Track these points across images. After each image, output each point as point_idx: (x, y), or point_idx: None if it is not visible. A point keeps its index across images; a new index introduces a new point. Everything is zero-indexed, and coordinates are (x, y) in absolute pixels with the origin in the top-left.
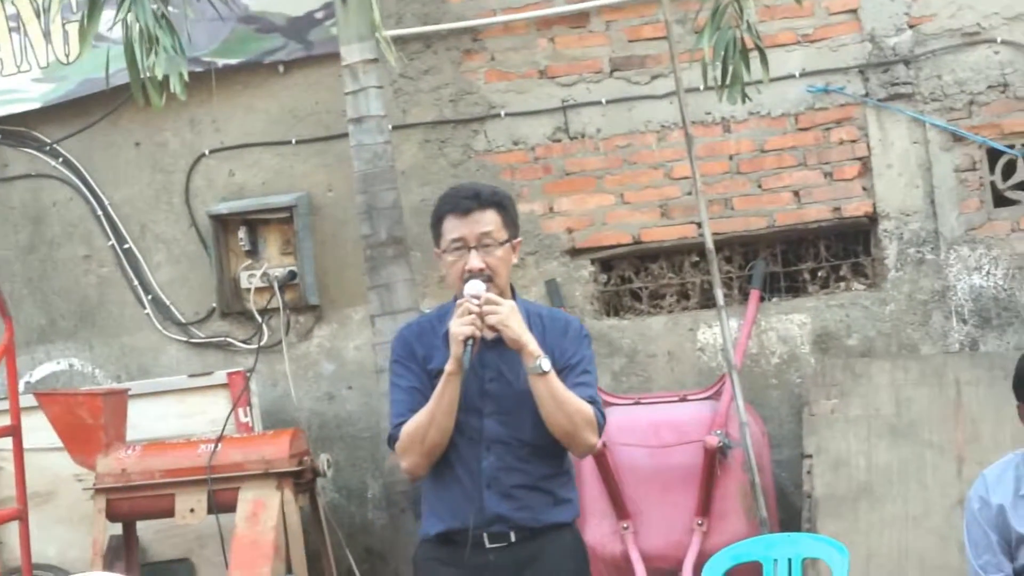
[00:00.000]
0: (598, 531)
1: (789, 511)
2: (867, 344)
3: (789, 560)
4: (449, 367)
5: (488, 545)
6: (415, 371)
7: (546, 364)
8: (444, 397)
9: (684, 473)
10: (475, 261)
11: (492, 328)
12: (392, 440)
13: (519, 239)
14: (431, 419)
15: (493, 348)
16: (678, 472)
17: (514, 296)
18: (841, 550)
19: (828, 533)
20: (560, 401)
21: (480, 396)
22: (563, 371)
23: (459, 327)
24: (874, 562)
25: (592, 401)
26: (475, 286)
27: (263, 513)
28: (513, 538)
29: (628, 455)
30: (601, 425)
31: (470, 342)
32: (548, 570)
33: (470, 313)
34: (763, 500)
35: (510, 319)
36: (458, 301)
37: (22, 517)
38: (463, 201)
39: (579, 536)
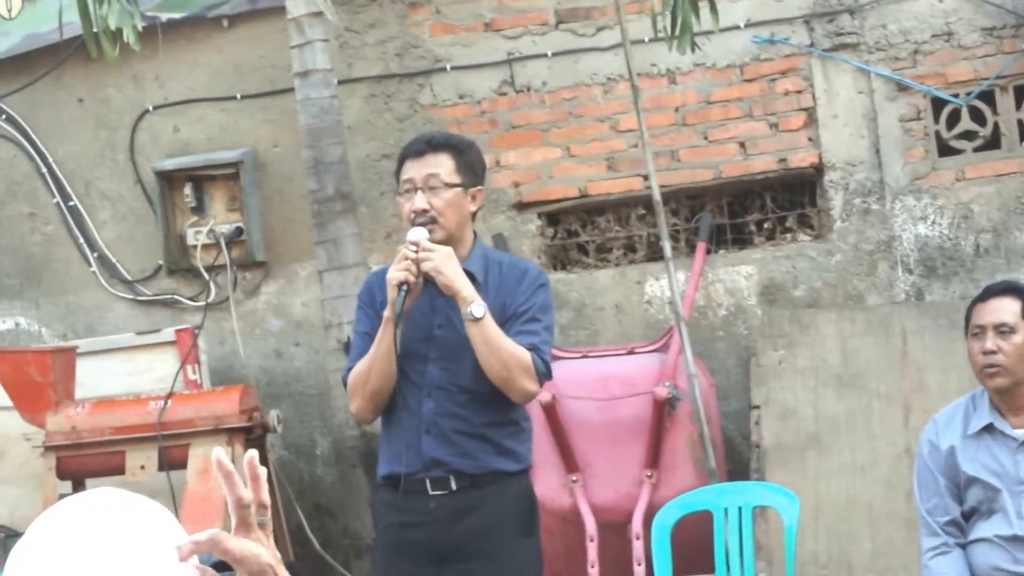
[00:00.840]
0: (547, 484)
1: (737, 462)
2: (814, 295)
3: (739, 508)
4: (386, 313)
5: (430, 492)
6: (371, 316)
7: (478, 310)
8: (382, 342)
9: (633, 425)
10: (419, 201)
11: (427, 274)
12: (345, 383)
13: (479, 187)
14: (371, 364)
15: (445, 296)
16: (627, 425)
17: (475, 243)
18: (791, 497)
19: (776, 483)
20: (494, 347)
21: (426, 342)
22: (512, 318)
23: (394, 273)
24: (822, 511)
25: (533, 348)
26: (415, 233)
27: (213, 469)
28: (454, 485)
29: (576, 408)
30: (542, 372)
31: (404, 288)
32: (490, 520)
33: (406, 259)
34: (711, 451)
35: (444, 265)
36: (399, 246)
37: None
38: (418, 144)
39: (528, 487)
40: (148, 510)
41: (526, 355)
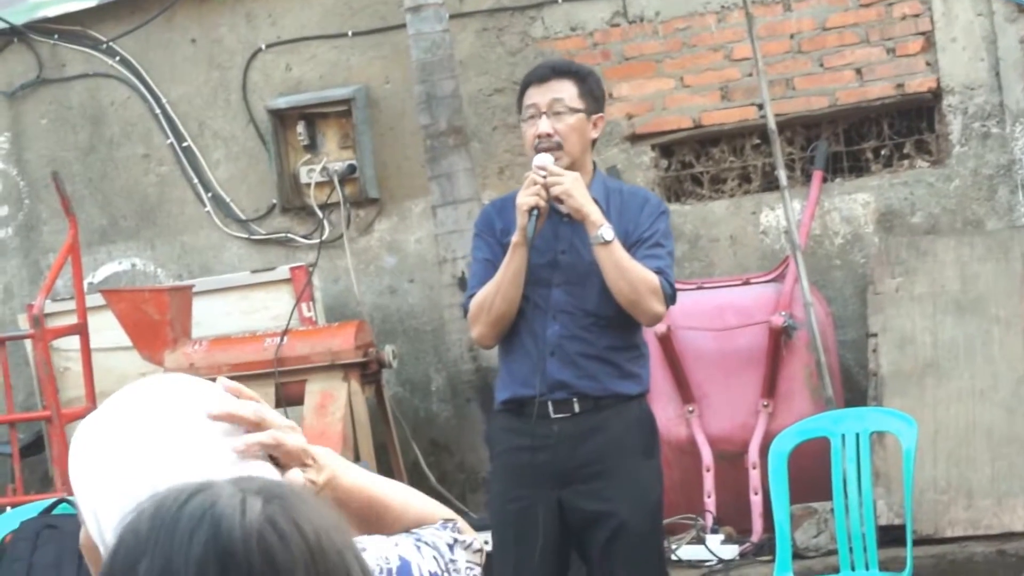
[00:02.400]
0: (663, 415)
1: (854, 391)
2: (931, 221)
3: (856, 435)
4: (515, 238)
5: (552, 415)
6: (491, 244)
7: (608, 233)
8: (510, 267)
9: (749, 355)
10: (544, 126)
11: (556, 198)
12: (465, 311)
13: (601, 115)
14: (497, 288)
15: (569, 223)
16: (743, 355)
17: (594, 172)
18: (909, 422)
19: (895, 409)
20: (623, 269)
21: (551, 267)
22: (636, 244)
23: (524, 198)
24: (941, 436)
25: (659, 271)
26: (542, 158)
27: (331, 404)
28: (577, 408)
29: (692, 339)
30: (668, 295)
31: (535, 212)
32: (613, 441)
33: (535, 184)
34: (828, 380)
35: (573, 189)
36: (527, 172)
37: None
38: (542, 70)
39: (648, 410)
40: (210, 389)
41: (654, 277)
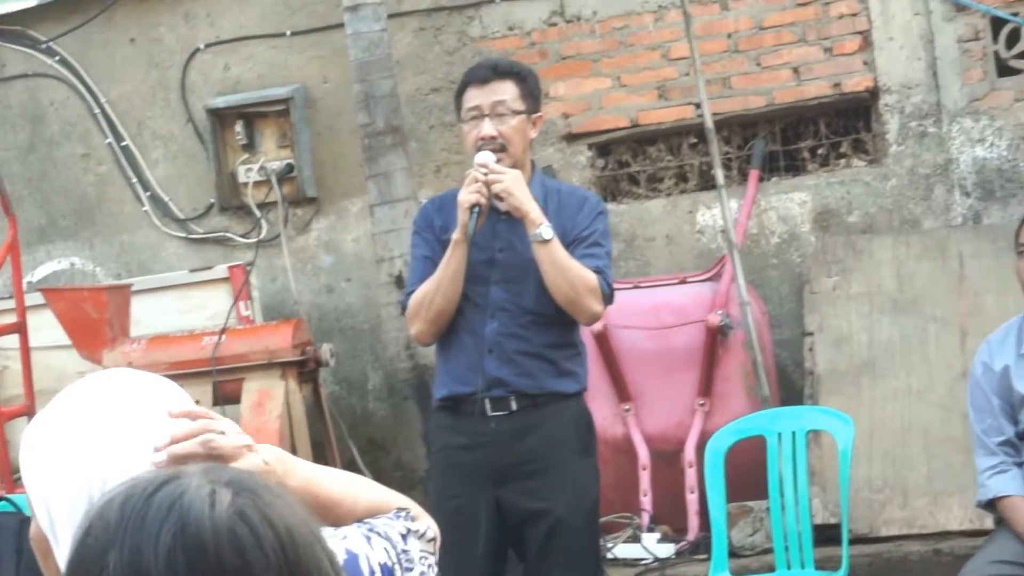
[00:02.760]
0: (600, 414)
1: (790, 390)
2: (868, 220)
3: (793, 433)
4: (455, 235)
5: (490, 413)
6: (430, 241)
7: (547, 232)
8: (450, 264)
9: (685, 354)
10: (487, 128)
11: (497, 196)
12: (404, 308)
13: (540, 115)
14: (437, 285)
15: (506, 221)
16: (679, 353)
17: (532, 171)
18: (845, 421)
19: (831, 408)
20: (562, 268)
21: (489, 265)
22: (574, 243)
23: (465, 195)
24: (877, 435)
25: (598, 270)
26: (484, 156)
27: (268, 403)
28: (514, 406)
29: (628, 338)
30: (606, 294)
31: (476, 209)
32: (550, 439)
33: (476, 181)
34: (764, 379)
35: (514, 187)
36: (469, 170)
37: (30, 413)
38: (482, 71)
39: (585, 409)
40: (158, 382)
41: (592, 276)
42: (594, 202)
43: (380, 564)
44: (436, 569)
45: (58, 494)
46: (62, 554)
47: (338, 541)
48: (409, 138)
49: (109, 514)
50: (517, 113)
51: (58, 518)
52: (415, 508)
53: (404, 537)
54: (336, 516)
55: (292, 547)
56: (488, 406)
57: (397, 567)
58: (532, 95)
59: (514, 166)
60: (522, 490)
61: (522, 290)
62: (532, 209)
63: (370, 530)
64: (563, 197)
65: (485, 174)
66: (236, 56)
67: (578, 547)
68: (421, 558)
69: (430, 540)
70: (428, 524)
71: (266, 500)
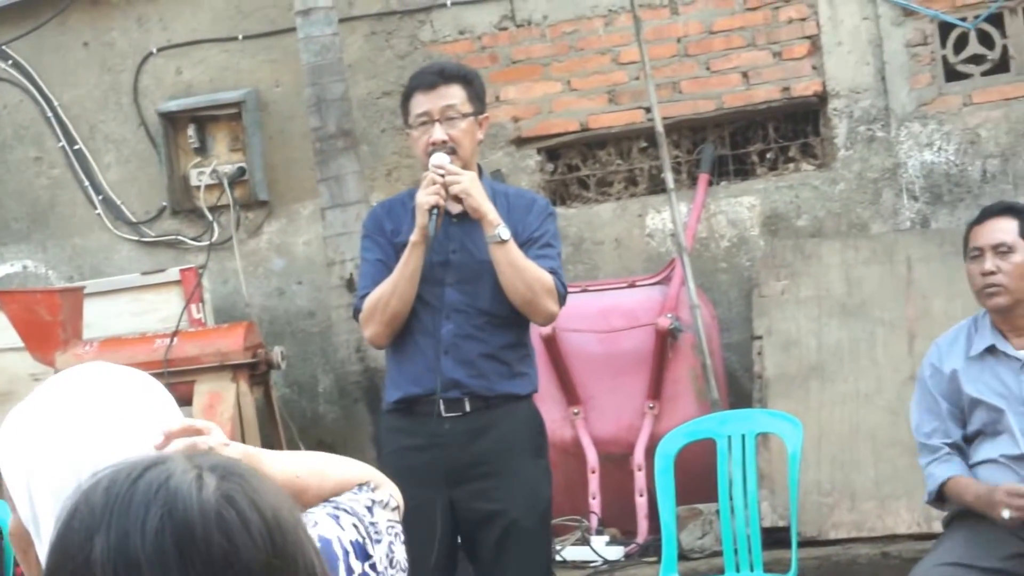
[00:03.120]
0: (549, 417)
1: (739, 394)
2: (817, 225)
3: (742, 436)
4: (414, 237)
5: (444, 414)
6: (382, 244)
7: (504, 233)
8: (408, 265)
9: (634, 358)
10: (438, 133)
11: (455, 197)
12: (356, 311)
13: (486, 115)
14: (394, 287)
15: (459, 223)
16: (628, 357)
17: (480, 174)
18: (795, 424)
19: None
20: (519, 268)
21: (443, 267)
22: (525, 244)
23: (424, 196)
24: (825, 439)
25: (553, 272)
26: (439, 158)
27: (219, 405)
28: (468, 407)
29: (577, 341)
30: (562, 295)
31: (435, 211)
32: (503, 441)
33: (434, 183)
34: (714, 382)
35: (472, 188)
36: (424, 173)
37: None
38: (428, 76)
39: (536, 411)
40: (137, 375)
41: (548, 277)
42: (543, 204)
43: (351, 542)
44: (403, 536)
45: (43, 486)
46: (46, 541)
47: (310, 529)
48: (360, 142)
49: (94, 498)
50: (466, 116)
51: (42, 511)
52: (376, 476)
53: (370, 509)
54: (304, 501)
55: (279, 531)
56: (442, 407)
57: (368, 541)
58: (479, 97)
59: (464, 168)
60: (475, 492)
61: (477, 291)
62: (490, 210)
63: (336, 508)
64: (512, 199)
65: (442, 175)
66: (188, 60)
67: (531, 549)
68: (388, 527)
69: (394, 508)
70: (390, 492)
71: (252, 485)
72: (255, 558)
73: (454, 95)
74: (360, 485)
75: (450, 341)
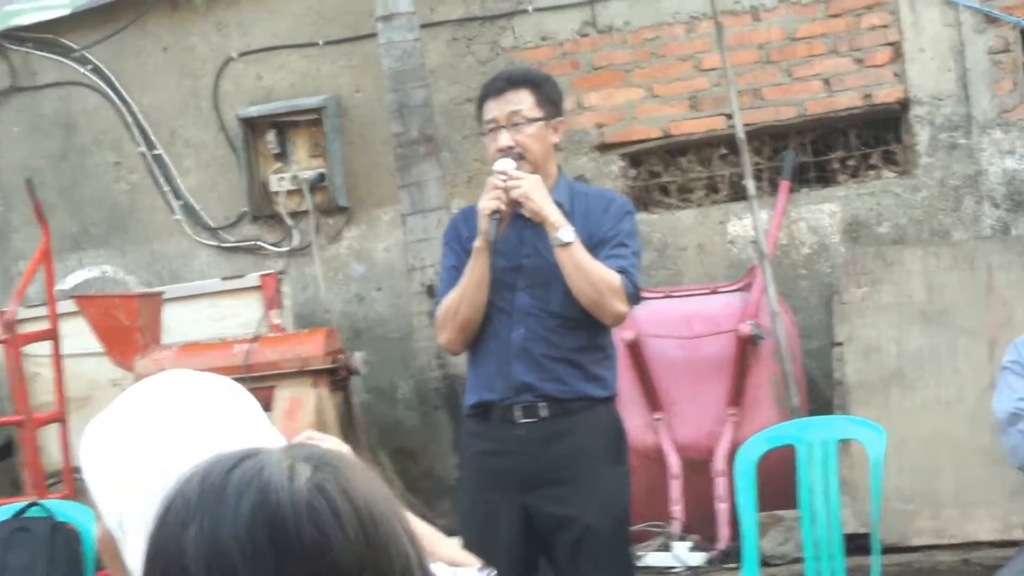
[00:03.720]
0: (631, 423)
1: (819, 400)
2: (898, 232)
3: (823, 443)
4: (477, 242)
5: (519, 419)
6: (457, 252)
7: (566, 235)
8: (474, 272)
9: (715, 364)
10: (505, 139)
11: (516, 201)
12: (433, 318)
13: (560, 119)
14: (462, 294)
15: (532, 226)
16: (710, 363)
17: (560, 175)
18: (877, 431)
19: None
20: (584, 270)
21: (515, 271)
22: (600, 244)
23: (485, 202)
24: (906, 446)
25: (622, 271)
26: (503, 163)
27: (299, 411)
28: (543, 412)
29: (659, 347)
30: (631, 294)
31: (496, 216)
32: (580, 447)
33: (495, 188)
34: (794, 389)
35: (532, 191)
36: (488, 178)
37: (61, 420)
38: (497, 83)
39: (616, 416)
40: (223, 381)
41: (616, 277)
42: (621, 203)
43: None
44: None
45: (131, 493)
46: (133, 545)
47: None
48: (442, 148)
49: (189, 490)
50: (534, 121)
51: (129, 518)
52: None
53: None
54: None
55: (371, 521)
56: (517, 412)
57: None
58: (550, 101)
59: (534, 172)
60: (550, 497)
61: (548, 295)
62: (551, 212)
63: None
64: (590, 200)
65: (504, 180)
66: (268, 65)
67: (607, 555)
68: None
69: None
70: None
71: (345, 475)
72: (347, 548)
73: (521, 100)
74: (482, 567)
75: (521, 345)
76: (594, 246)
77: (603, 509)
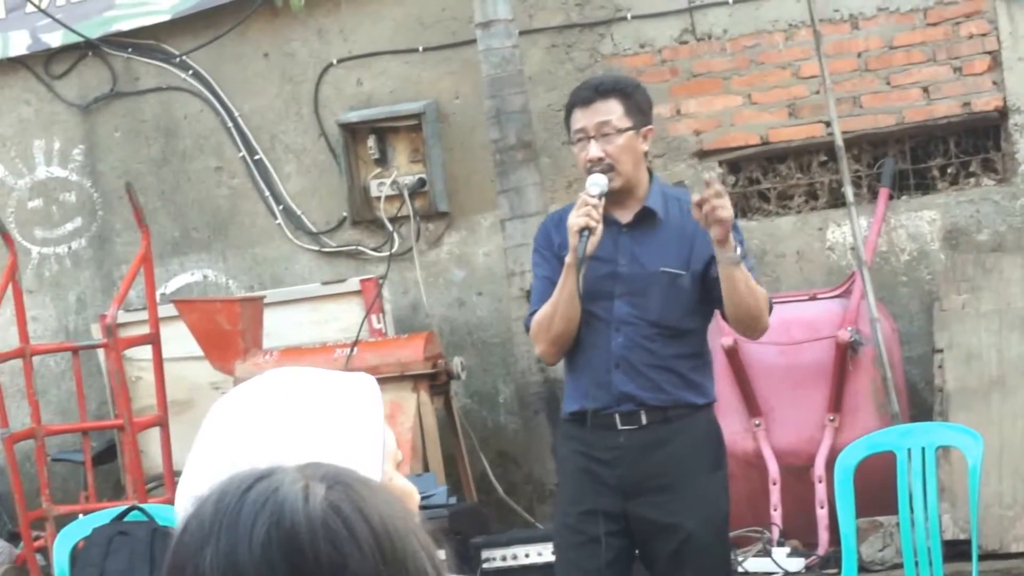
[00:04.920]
0: (730, 429)
1: (920, 407)
2: (998, 239)
3: (923, 449)
4: (568, 259)
5: (620, 427)
6: (549, 259)
7: (739, 251)
8: (564, 288)
9: (815, 370)
10: (594, 151)
11: (720, 222)
12: (527, 328)
13: (650, 127)
14: (554, 309)
15: (628, 233)
16: (809, 369)
17: (652, 179)
18: (975, 437)
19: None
20: (752, 287)
21: (612, 279)
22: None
23: (574, 219)
24: (1006, 453)
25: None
26: (597, 179)
27: (400, 415)
28: (644, 420)
29: (759, 353)
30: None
31: (586, 233)
32: (679, 454)
33: (586, 204)
34: (894, 395)
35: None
36: (580, 194)
37: (163, 424)
38: (585, 92)
39: (715, 422)
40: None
41: (765, 291)
42: None
43: None
44: None
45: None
46: None
47: None
48: (541, 154)
49: (205, 511)
50: (623, 131)
51: None
52: None
53: None
54: None
55: (387, 538)
56: (618, 420)
57: None
58: (639, 109)
59: (626, 183)
60: (650, 504)
61: (646, 303)
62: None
63: None
64: (683, 205)
65: (594, 197)
66: (369, 71)
67: (709, 563)
68: None
69: None
70: None
71: (360, 493)
72: (364, 566)
73: (611, 110)
74: None
75: (620, 354)
76: (710, 256)
77: (703, 516)
